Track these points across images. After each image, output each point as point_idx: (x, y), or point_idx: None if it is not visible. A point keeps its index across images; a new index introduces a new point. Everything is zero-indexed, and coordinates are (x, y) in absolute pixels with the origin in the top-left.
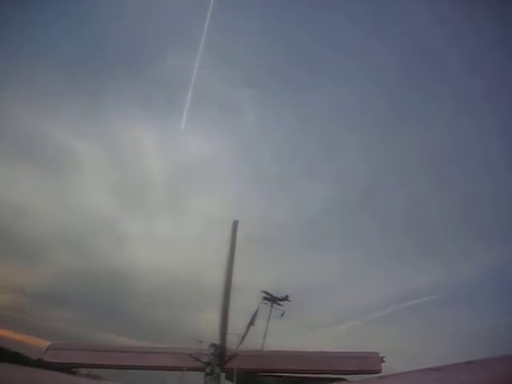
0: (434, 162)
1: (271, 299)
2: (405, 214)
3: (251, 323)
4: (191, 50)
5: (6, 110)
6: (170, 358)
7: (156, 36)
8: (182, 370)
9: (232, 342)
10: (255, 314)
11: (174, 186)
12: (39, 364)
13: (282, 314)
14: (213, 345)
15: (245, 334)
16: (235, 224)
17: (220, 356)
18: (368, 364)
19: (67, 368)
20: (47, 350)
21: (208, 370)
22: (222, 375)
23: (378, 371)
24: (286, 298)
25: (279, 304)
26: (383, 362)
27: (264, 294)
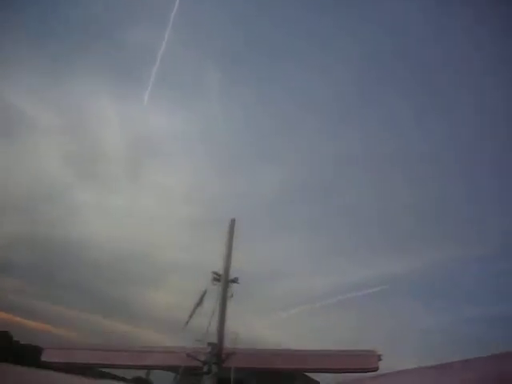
0: (398, 153)
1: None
2: (362, 204)
3: (199, 303)
4: (161, 25)
5: None
6: (167, 358)
7: (128, 6)
8: (179, 369)
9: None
10: (204, 295)
11: (132, 159)
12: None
13: (231, 296)
14: (210, 344)
15: (192, 313)
16: (232, 222)
17: (217, 355)
18: (365, 362)
19: (65, 368)
20: (45, 350)
21: (205, 368)
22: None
23: (375, 369)
24: (235, 281)
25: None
26: (380, 360)
27: (214, 275)
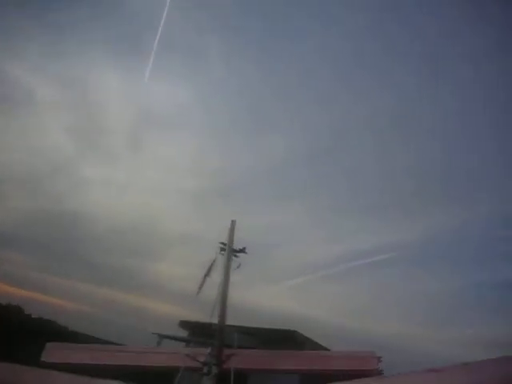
0: (396, 120)
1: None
2: (364, 171)
3: (207, 274)
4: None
5: None
6: (167, 358)
7: None
8: (179, 370)
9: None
10: (212, 265)
11: (135, 133)
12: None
13: (238, 266)
14: (210, 344)
15: (201, 285)
16: (233, 224)
17: (217, 356)
18: (365, 364)
19: (64, 368)
20: (45, 350)
21: (205, 369)
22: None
23: (374, 371)
24: (243, 250)
25: (236, 256)
26: (380, 361)
27: (221, 245)
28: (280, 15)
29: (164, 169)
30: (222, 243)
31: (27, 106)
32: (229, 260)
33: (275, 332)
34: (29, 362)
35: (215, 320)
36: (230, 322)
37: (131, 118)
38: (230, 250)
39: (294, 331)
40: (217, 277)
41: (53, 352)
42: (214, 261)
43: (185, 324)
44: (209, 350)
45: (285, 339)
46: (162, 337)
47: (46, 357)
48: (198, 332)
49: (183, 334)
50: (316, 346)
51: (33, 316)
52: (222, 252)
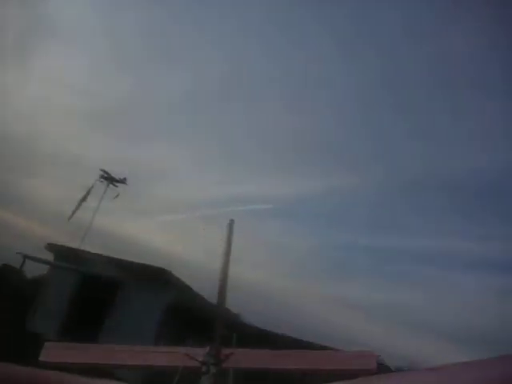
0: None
1: (108, 179)
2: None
3: (84, 199)
4: None
5: None
6: (165, 357)
7: None
8: (177, 370)
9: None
10: (89, 191)
11: (23, 38)
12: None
13: (117, 196)
14: (209, 343)
15: (76, 209)
16: (231, 223)
17: (216, 355)
18: (362, 363)
19: (62, 368)
20: (44, 349)
21: (204, 369)
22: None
23: (372, 370)
24: (123, 181)
25: (115, 185)
26: (378, 360)
27: (102, 173)
28: None
29: (53, 83)
30: (103, 170)
31: None
32: (227, 260)
33: (148, 268)
34: None
35: (84, 246)
36: (102, 251)
37: (20, 21)
38: (229, 251)
39: (167, 270)
40: (93, 203)
41: (51, 351)
42: (91, 186)
43: (52, 247)
44: (207, 349)
45: (156, 277)
46: (26, 257)
47: (44, 356)
48: (64, 257)
49: (49, 257)
50: (186, 289)
51: None
52: (102, 179)
